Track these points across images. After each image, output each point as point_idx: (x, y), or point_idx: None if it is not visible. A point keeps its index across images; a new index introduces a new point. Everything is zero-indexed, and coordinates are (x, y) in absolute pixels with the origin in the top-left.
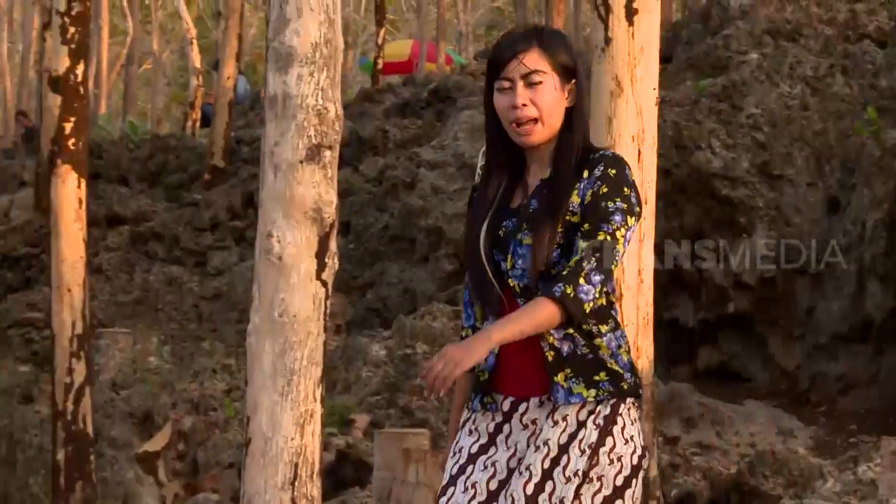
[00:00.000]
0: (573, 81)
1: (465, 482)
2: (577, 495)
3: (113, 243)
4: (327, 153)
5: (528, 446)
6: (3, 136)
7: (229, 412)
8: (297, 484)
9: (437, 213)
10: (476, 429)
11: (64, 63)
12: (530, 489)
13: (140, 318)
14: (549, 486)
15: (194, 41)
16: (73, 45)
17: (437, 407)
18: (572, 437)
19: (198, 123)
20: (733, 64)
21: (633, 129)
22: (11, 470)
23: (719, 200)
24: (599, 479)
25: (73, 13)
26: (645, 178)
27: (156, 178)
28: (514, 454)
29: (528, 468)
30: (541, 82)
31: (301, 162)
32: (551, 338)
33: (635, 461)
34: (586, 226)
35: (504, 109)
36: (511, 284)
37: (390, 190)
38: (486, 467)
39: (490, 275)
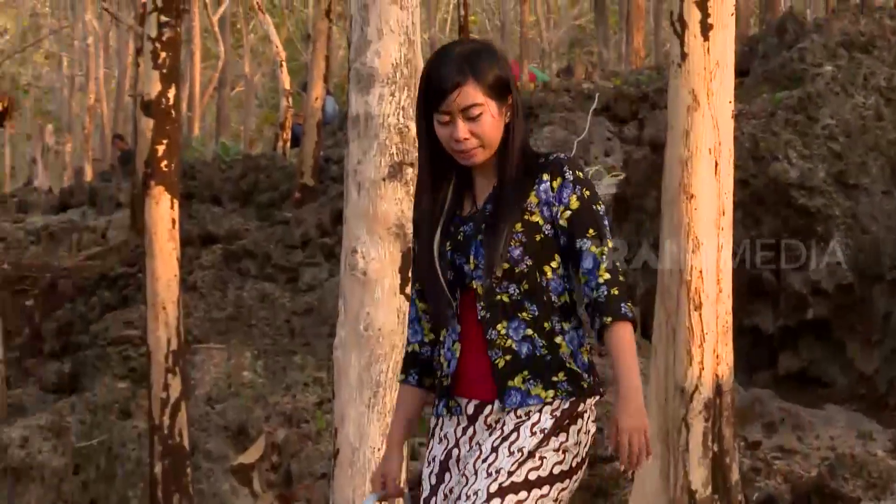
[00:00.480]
0: (510, 98)
1: (444, 489)
2: (515, 468)
3: (207, 261)
4: (409, 170)
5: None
6: (101, 159)
7: (321, 424)
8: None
9: None
10: (445, 435)
11: (156, 87)
12: (479, 465)
13: (233, 333)
14: (491, 457)
15: (284, 64)
16: (164, 70)
17: None
18: (526, 420)
19: (288, 143)
20: (808, 76)
21: (710, 141)
22: (111, 483)
23: (796, 209)
24: (542, 458)
25: (164, 39)
26: (722, 188)
27: (248, 198)
28: (479, 455)
29: (479, 445)
30: (480, 114)
31: (384, 179)
32: (509, 341)
33: (574, 464)
34: (591, 230)
35: (446, 140)
36: (474, 286)
37: None
38: (458, 471)
39: (442, 281)
